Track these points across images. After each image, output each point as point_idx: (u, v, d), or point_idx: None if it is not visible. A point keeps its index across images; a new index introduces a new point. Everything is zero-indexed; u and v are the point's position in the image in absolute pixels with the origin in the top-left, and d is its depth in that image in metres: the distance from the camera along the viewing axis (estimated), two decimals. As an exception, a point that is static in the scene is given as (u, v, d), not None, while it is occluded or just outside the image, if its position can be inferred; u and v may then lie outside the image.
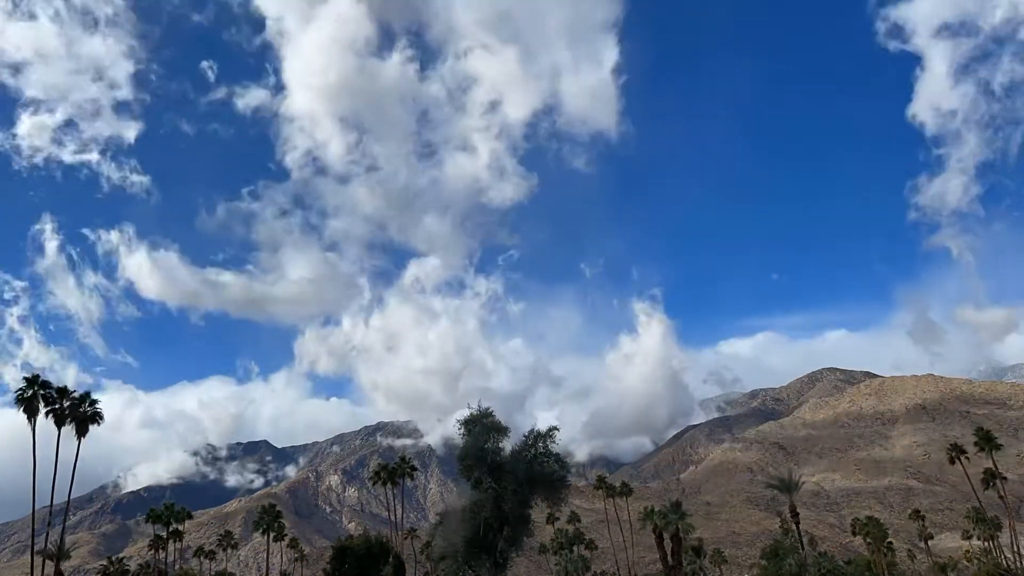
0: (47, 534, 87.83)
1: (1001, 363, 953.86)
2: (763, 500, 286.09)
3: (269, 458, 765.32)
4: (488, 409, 34.14)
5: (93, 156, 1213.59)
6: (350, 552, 64.70)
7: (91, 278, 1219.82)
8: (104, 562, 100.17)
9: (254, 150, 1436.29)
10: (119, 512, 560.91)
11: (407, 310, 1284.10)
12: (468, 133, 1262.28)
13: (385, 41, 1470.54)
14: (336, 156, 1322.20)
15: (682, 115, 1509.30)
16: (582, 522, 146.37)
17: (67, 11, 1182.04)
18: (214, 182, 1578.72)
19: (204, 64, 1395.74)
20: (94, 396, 59.39)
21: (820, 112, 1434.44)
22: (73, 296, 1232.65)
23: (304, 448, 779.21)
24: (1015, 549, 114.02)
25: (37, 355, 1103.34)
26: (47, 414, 56.11)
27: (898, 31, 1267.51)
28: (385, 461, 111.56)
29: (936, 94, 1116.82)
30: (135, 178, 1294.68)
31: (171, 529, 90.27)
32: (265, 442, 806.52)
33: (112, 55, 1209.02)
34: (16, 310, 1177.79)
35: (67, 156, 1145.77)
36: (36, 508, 60.00)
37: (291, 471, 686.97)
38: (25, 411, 54.96)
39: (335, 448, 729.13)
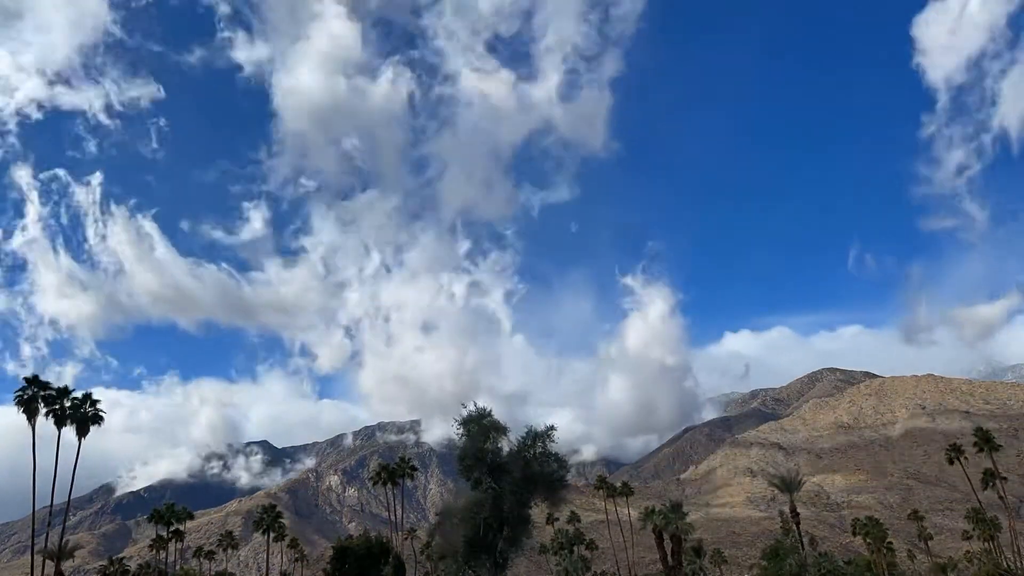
0: (47, 534, 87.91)
1: (1001, 363, 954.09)
2: (763, 500, 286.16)
3: (269, 458, 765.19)
4: (486, 409, 34.17)
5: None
6: (350, 552, 64.73)
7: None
8: (104, 562, 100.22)
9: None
10: (119, 512, 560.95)
11: (407, 309, 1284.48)
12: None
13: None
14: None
15: (678, 118, 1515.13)
16: (582, 522, 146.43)
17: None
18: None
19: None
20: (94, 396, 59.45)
21: (825, 109, 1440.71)
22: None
23: (304, 448, 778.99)
24: (1015, 549, 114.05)
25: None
26: (47, 415, 56.10)
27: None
28: (385, 461, 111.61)
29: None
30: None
31: (172, 529, 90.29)
32: (265, 442, 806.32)
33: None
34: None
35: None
36: (36, 508, 60.04)
37: (291, 471, 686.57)
38: (25, 412, 54.95)
39: (335, 448, 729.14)
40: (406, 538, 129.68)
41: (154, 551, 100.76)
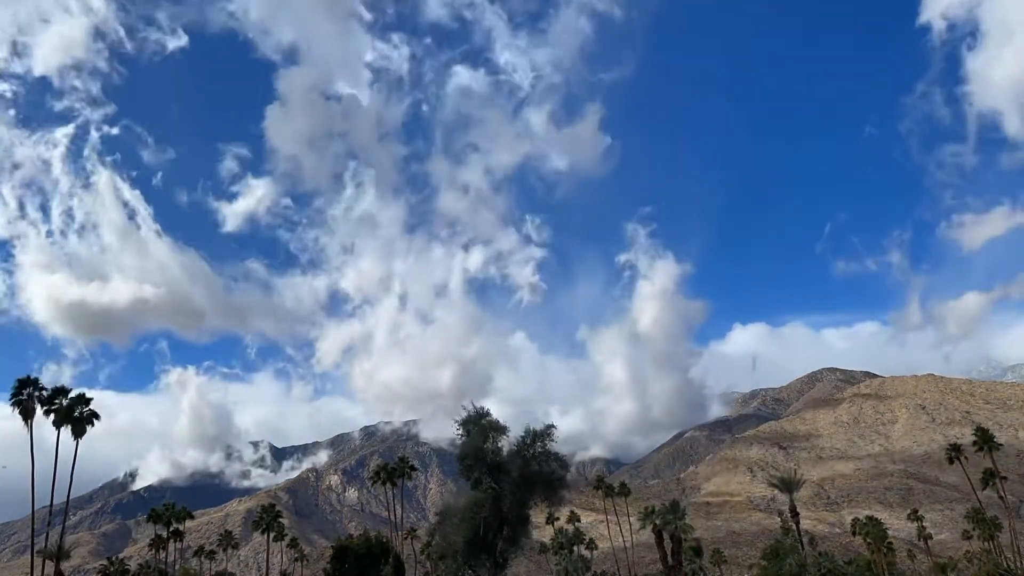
0: (47, 534, 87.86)
1: (1001, 363, 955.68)
2: (763, 500, 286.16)
3: (269, 458, 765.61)
4: (485, 409, 34.16)
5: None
6: (350, 552, 64.75)
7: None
8: (104, 562, 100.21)
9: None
10: (119, 512, 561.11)
11: (408, 308, 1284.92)
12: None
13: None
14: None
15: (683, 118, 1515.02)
16: (582, 522, 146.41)
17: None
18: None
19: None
20: (88, 395, 59.34)
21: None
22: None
23: (304, 448, 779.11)
24: (1015, 549, 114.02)
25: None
26: (45, 415, 56.06)
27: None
28: (385, 461, 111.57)
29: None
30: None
31: (172, 529, 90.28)
32: (265, 442, 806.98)
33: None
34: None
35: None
36: (36, 508, 60.03)
37: (291, 471, 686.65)
38: (21, 412, 54.89)
39: (335, 448, 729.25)
40: (406, 538, 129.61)
41: (154, 551, 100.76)
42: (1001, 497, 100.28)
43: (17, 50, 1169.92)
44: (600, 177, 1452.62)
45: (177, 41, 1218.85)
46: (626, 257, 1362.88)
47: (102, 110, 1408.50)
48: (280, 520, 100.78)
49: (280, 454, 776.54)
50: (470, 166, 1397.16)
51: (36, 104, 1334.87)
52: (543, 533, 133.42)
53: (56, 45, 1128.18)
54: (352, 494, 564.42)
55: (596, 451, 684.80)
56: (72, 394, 58.08)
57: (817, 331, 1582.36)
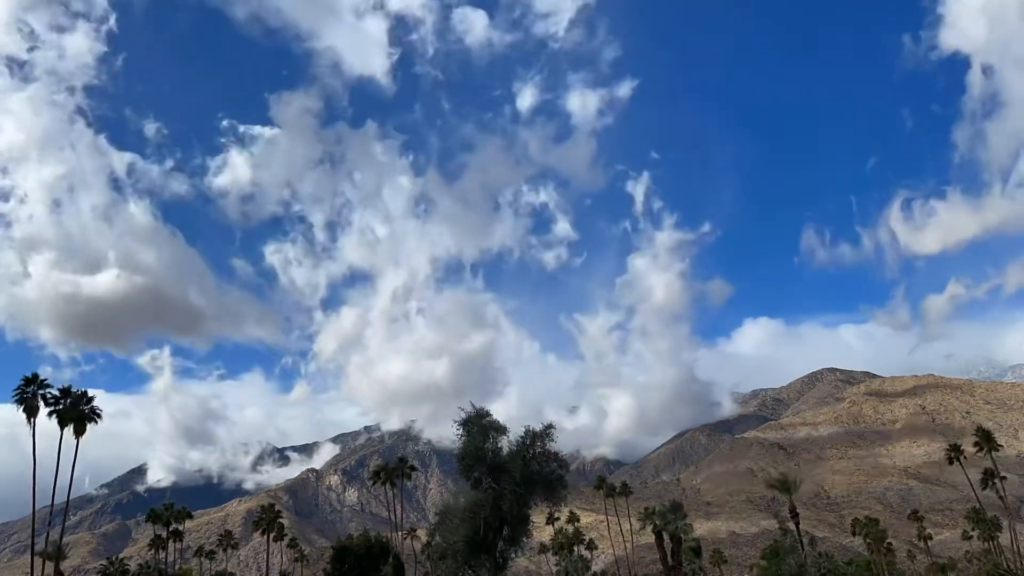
0: (47, 534, 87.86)
1: (1001, 363, 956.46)
2: (763, 500, 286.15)
3: (269, 458, 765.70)
4: (485, 409, 34.16)
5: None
6: (350, 552, 64.70)
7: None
8: (104, 562, 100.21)
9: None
10: (119, 512, 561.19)
11: (409, 307, 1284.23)
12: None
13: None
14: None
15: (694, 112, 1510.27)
16: (581, 522, 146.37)
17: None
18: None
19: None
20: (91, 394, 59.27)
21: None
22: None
23: (304, 448, 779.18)
24: (1015, 549, 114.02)
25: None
26: (49, 414, 56.00)
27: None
28: (385, 461, 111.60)
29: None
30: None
31: (171, 529, 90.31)
32: (265, 442, 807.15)
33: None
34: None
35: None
36: (36, 508, 60.01)
37: (291, 471, 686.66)
38: (25, 411, 54.82)
39: (335, 448, 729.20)
40: (406, 538, 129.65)
41: (154, 551, 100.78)
42: (1001, 497, 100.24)
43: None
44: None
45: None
46: (632, 252, 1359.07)
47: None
48: (280, 520, 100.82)
49: (280, 454, 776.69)
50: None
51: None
52: (543, 533, 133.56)
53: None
54: (352, 494, 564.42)
55: (601, 451, 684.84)
56: (76, 392, 58.06)
57: (831, 329, 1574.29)
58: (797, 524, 71.11)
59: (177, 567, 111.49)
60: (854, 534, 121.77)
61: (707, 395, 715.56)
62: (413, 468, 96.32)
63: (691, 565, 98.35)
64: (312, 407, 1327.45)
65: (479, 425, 33.74)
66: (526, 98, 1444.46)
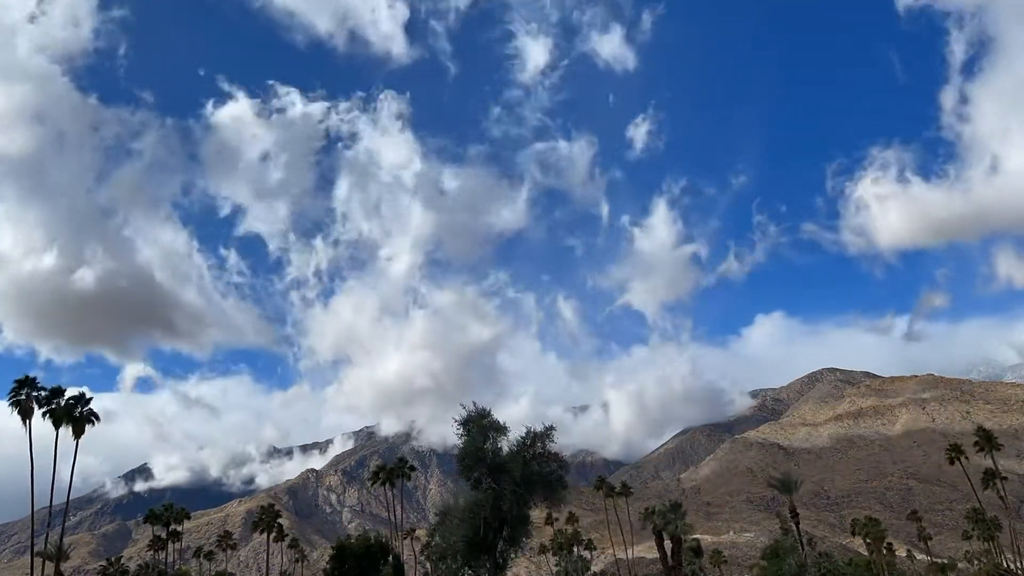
0: (47, 535, 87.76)
1: (1001, 363, 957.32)
2: (763, 500, 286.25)
3: (269, 459, 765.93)
4: (486, 409, 34.11)
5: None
6: (350, 552, 64.65)
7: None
8: (104, 563, 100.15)
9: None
10: (119, 513, 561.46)
11: (410, 305, 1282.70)
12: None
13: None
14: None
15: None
16: (581, 522, 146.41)
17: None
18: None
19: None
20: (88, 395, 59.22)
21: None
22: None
23: (304, 448, 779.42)
24: (1015, 549, 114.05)
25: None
26: (44, 415, 55.93)
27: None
28: (384, 461, 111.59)
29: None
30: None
31: (170, 530, 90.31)
32: (265, 443, 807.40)
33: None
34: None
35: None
36: (36, 509, 59.96)
37: (291, 471, 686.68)
38: (19, 413, 54.76)
39: (335, 448, 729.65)
40: (406, 538, 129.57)
41: (153, 551, 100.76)
42: (1001, 497, 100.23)
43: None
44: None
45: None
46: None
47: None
48: (280, 521, 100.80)
49: (279, 455, 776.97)
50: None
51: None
52: (543, 534, 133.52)
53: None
54: (352, 494, 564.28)
55: (602, 450, 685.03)
56: (72, 393, 58.05)
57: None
58: (797, 524, 71.05)
59: (177, 567, 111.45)
60: (854, 534, 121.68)
61: (716, 394, 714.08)
62: (413, 468, 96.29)
63: (691, 565, 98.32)
64: (312, 407, 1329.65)
65: (479, 425, 33.69)
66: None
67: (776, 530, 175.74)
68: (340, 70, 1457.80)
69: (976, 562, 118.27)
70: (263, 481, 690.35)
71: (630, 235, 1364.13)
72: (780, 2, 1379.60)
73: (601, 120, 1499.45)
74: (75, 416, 56.56)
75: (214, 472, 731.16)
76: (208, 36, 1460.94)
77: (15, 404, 54.79)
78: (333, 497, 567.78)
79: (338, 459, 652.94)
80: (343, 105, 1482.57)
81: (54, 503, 79.85)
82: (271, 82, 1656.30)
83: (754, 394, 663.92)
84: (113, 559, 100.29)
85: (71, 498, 64.46)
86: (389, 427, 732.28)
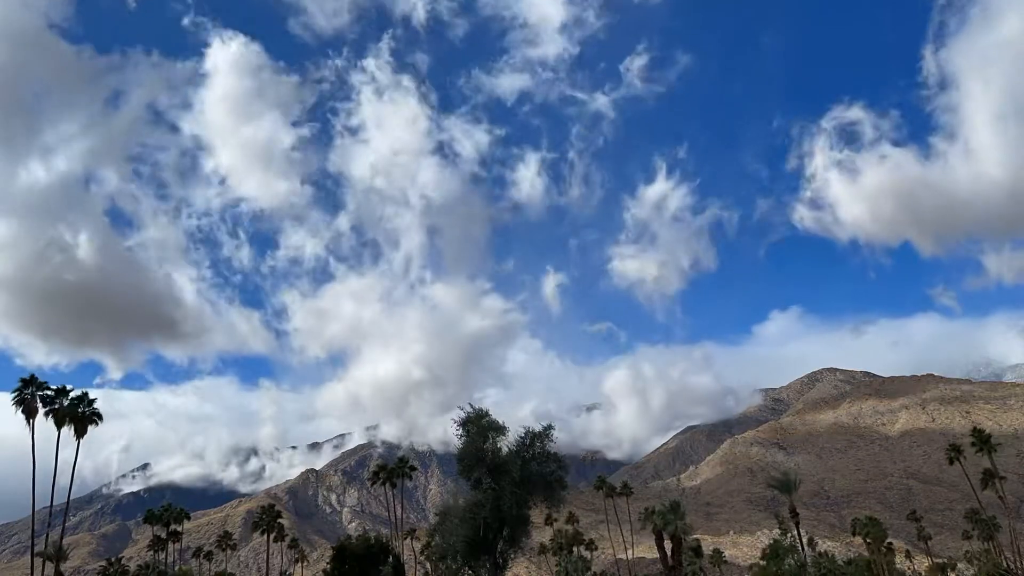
0: (47, 535, 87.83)
1: (1001, 363, 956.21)
2: (763, 500, 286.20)
3: (269, 459, 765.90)
4: (485, 410, 34.17)
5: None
6: (350, 552, 64.64)
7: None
8: (104, 563, 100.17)
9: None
10: (119, 513, 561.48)
11: (410, 304, 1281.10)
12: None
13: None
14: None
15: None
16: (581, 522, 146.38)
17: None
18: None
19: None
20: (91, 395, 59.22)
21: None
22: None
23: (304, 448, 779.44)
24: (1015, 549, 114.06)
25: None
26: (47, 415, 55.95)
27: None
28: (384, 461, 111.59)
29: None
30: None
31: (170, 530, 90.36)
32: (265, 443, 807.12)
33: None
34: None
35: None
36: (36, 509, 59.99)
37: (291, 471, 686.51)
38: (24, 412, 54.78)
39: (335, 448, 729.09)
40: (406, 538, 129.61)
41: (153, 552, 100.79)
42: (1001, 497, 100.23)
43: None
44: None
45: None
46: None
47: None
48: (280, 521, 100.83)
49: (279, 455, 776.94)
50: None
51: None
52: (543, 533, 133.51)
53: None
54: (352, 495, 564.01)
55: (603, 450, 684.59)
56: (74, 394, 58.03)
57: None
58: (797, 524, 71.12)
59: (177, 568, 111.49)
60: (854, 534, 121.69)
61: (718, 394, 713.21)
62: (413, 468, 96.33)
63: (691, 565, 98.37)
64: (312, 407, 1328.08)
65: (479, 425, 33.78)
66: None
67: (776, 530, 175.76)
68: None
69: (976, 562, 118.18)
70: (263, 481, 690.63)
71: (636, 233, 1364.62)
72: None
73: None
74: (78, 416, 56.58)
75: (214, 472, 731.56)
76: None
77: (19, 403, 54.82)
78: (333, 497, 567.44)
79: (338, 459, 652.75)
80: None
81: (54, 503, 80.00)
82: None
83: (754, 394, 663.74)
84: (113, 559, 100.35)
85: (71, 498, 64.50)
86: (389, 427, 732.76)
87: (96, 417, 57.93)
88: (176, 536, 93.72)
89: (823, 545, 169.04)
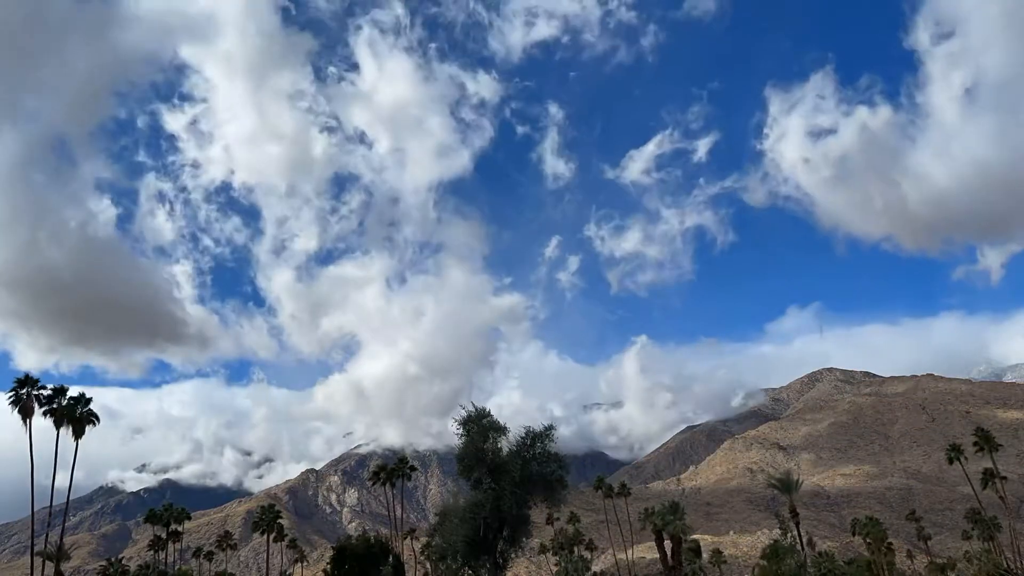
0: (47, 535, 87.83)
1: (1001, 363, 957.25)
2: (763, 500, 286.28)
3: (269, 459, 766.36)
4: (485, 409, 34.13)
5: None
6: (350, 552, 64.69)
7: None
8: (104, 563, 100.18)
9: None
10: (119, 513, 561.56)
11: (411, 304, 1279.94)
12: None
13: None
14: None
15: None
16: (581, 522, 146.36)
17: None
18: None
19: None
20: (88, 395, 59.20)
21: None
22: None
23: (304, 448, 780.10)
24: (1015, 549, 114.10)
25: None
26: (44, 415, 55.90)
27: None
28: (385, 461, 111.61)
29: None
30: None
31: (170, 530, 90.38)
32: (265, 443, 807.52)
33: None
34: None
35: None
36: (36, 509, 59.97)
37: (291, 472, 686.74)
38: (20, 412, 54.73)
39: (335, 448, 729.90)
40: (406, 538, 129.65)
41: (153, 552, 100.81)
42: (1001, 497, 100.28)
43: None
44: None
45: None
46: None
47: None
48: (280, 521, 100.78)
49: (279, 455, 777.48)
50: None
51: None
52: (543, 534, 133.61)
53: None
54: (352, 495, 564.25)
55: (604, 450, 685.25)
56: (71, 394, 57.99)
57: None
58: (797, 524, 71.11)
59: (177, 568, 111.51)
60: (854, 534, 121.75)
61: (720, 394, 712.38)
62: (413, 468, 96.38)
63: (691, 565, 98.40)
64: (312, 407, 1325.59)
65: (479, 425, 33.75)
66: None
67: (776, 530, 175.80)
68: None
69: (976, 562, 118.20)
70: (263, 481, 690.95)
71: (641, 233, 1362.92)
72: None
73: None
74: (76, 416, 56.53)
75: (214, 472, 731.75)
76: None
77: (15, 403, 54.77)
78: (333, 497, 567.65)
79: (338, 459, 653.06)
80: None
81: (54, 503, 79.98)
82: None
83: (754, 394, 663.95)
84: (113, 559, 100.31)
85: (71, 498, 64.49)
86: (390, 426, 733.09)
87: (94, 417, 57.89)
88: (176, 536, 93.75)
89: (823, 545, 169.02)
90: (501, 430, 33.68)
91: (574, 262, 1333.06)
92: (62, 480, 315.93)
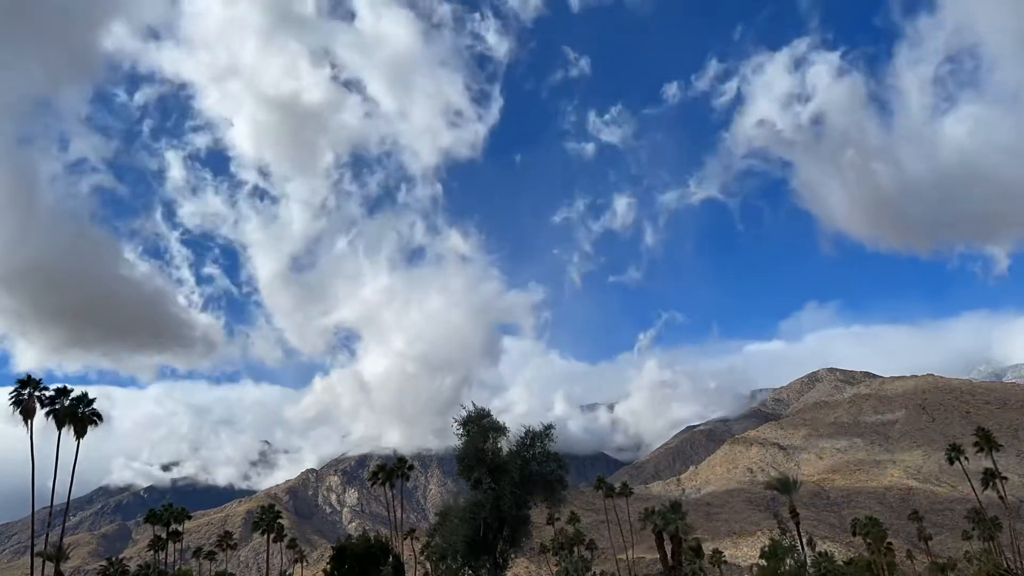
0: (47, 535, 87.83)
1: (1001, 363, 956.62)
2: (763, 500, 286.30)
3: (269, 459, 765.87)
4: (485, 409, 34.16)
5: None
6: (350, 552, 64.72)
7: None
8: (104, 563, 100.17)
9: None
10: (119, 513, 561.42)
11: (408, 300, 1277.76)
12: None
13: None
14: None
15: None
16: (582, 522, 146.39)
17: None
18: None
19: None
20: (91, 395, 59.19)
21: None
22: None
23: (304, 448, 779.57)
24: (1015, 549, 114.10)
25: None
26: (46, 415, 55.92)
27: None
28: (384, 461, 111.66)
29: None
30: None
31: (170, 530, 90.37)
32: (266, 442, 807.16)
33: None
34: None
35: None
36: (36, 509, 59.99)
37: (291, 472, 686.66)
38: (22, 412, 54.73)
39: (335, 448, 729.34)
40: (406, 538, 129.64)
41: (153, 552, 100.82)
42: (1001, 497, 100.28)
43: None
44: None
45: None
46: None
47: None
48: (280, 521, 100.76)
49: (279, 455, 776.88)
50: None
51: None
52: (543, 533, 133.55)
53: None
54: (352, 495, 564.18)
55: (605, 450, 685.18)
56: (74, 394, 57.97)
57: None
58: (797, 524, 71.13)
59: (177, 568, 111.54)
60: (854, 534, 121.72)
61: (721, 393, 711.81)
62: (412, 468, 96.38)
63: (691, 565, 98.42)
64: (312, 407, 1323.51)
65: (479, 425, 33.78)
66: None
67: (776, 530, 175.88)
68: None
69: (976, 562, 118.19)
70: (263, 481, 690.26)
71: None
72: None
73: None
74: (78, 416, 56.54)
75: (214, 472, 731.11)
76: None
77: (17, 403, 54.78)
78: (333, 497, 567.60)
79: (338, 459, 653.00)
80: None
81: (54, 503, 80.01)
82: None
83: (754, 394, 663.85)
84: (113, 559, 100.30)
85: (71, 498, 64.49)
86: (390, 426, 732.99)
87: (96, 417, 57.87)
88: (176, 536, 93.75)
89: (823, 545, 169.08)
90: (501, 430, 33.73)
91: (579, 260, 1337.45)
92: (63, 480, 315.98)
